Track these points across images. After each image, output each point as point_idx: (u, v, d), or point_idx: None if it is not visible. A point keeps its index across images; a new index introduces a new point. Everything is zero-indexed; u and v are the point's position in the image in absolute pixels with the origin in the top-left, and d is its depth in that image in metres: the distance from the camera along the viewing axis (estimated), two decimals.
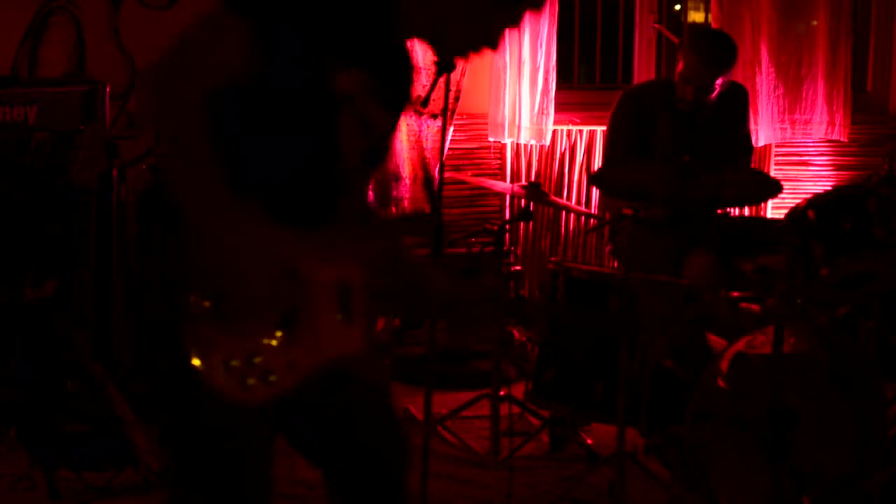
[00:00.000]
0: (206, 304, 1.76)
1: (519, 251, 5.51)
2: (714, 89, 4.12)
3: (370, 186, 2.21)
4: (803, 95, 5.66)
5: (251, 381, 1.79)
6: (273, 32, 1.77)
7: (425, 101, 3.42)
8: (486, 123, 5.43)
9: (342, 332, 1.93)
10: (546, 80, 5.38)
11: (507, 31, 2.02)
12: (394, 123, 2.09)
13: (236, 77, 1.76)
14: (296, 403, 1.92)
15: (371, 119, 1.97)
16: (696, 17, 6.08)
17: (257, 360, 1.79)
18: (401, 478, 2.14)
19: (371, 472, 2.10)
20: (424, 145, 5.34)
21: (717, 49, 4.12)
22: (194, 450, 1.90)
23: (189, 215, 1.76)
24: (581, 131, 5.53)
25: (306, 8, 1.81)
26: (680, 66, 4.16)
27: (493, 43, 2.02)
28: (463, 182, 5.14)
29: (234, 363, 1.78)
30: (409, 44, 2.03)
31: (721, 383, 3.13)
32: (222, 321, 1.77)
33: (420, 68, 2.09)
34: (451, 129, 5.28)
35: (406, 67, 2.06)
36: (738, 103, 4.38)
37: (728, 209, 4.48)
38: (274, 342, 1.81)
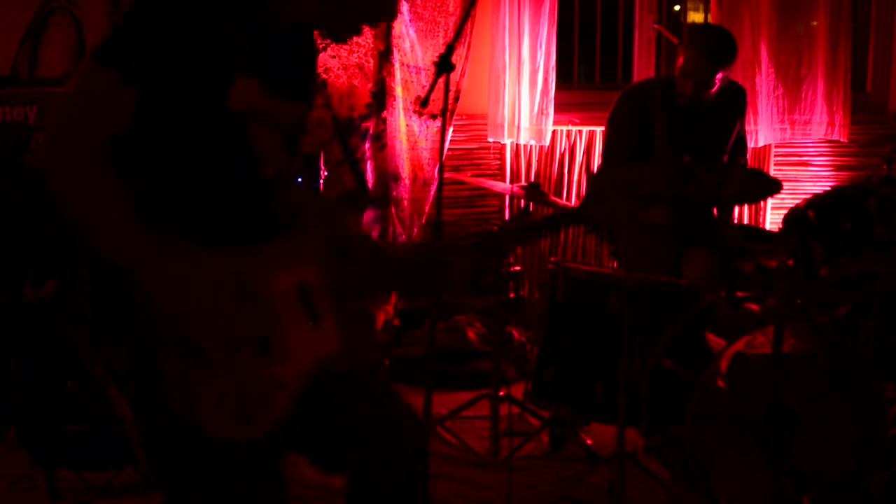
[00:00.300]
0: (178, 359, 1.71)
1: (519, 251, 5.50)
2: (713, 85, 4.12)
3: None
4: (803, 96, 5.66)
5: (250, 411, 1.76)
6: (148, 73, 1.73)
7: (425, 102, 3.43)
8: (486, 124, 5.43)
9: (315, 337, 1.89)
10: (546, 80, 5.38)
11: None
12: (304, 109, 2.04)
13: (125, 123, 1.73)
14: (296, 418, 1.89)
15: (277, 117, 1.93)
16: (696, 17, 6.08)
17: (247, 388, 1.76)
18: (419, 461, 2.11)
19: (388, 459, 2.07)
20: (422, 145, 5.35)
21: (716, 44, 4.12)
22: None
23: (121, 271, 1.70)
24: (581, 131, 5.53)
25: (174, 38, 1.75)
26: (680, 62, 4.16)
27: (386, 9, 1.99)
28: (462, 182, 5.14)
29: (228, 400, 1.73)
30: (284, 25, 1.95)
31: (721, 383, 3.13)
32: (201, 365, 1.72)
33: (320, 43, 2.05)
34: (451, 129, 5.28)
35: (292, 51, 1.99)
36: (737, 103, 4.38)
37: (729, 208, 4.48)
38: (258, 366, 1.77)
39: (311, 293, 1.90)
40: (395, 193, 5.31)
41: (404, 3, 5.20)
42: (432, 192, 5.30)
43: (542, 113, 5.40)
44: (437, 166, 4.98)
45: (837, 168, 5.81)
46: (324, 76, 5.17)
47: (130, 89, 1.72)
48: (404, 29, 5.21)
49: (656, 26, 5.57)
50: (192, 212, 1.82)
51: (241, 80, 1.83)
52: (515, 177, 5.47)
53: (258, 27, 1.88)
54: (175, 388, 1.72)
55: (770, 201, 5.57)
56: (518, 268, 5.17)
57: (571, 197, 5.51)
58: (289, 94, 1.97)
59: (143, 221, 1.70)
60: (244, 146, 1.88)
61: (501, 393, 3.92)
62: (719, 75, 4.11)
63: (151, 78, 1.73)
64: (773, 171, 5.64)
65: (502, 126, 5.38)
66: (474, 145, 5.49)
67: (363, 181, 5.23)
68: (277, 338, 1.81)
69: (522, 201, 4.03)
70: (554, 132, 5.48)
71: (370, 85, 5.21)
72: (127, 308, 1.74)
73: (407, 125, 5.29)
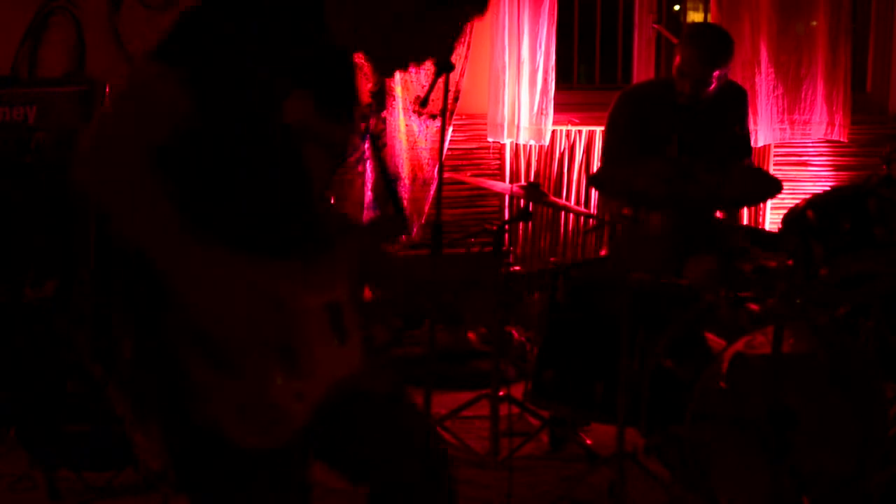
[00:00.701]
0: (204, 364, 1.72)
1: (518, 251, 5.51)
2: (711, 83, 4.12)
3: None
4: (803, 96, 5.66)
5: (269, 421, 1.76)
6: (207, 76, 1.69)
7: (424, 102, 3.44)
8: (486, 124, 5.43)
9: (340, 355, 1.90)
10: (545, 80, 5.38)
11: (452, 41, 1.97)
12: (350, 130, 2.06)
13: (180, 129, 1.69)
14: (319, 432, 1.90)
15: (329, 137, 1.94)
16: (696, 17, 6.08)
17: (268, 399, 1.76)
18: (440, 479, 2.10)
19: (409, 477, 2.06)
20: (422, 145, 5.35)
21: (713, 43, 4.12)
22: None
23: (163, 276, 1.69)
24: (580, 131, 5.53)
25: (236, 44, 1.72)
26: (677, 61, 4.16)
27: (437, 52, 1.98)
28: (462, 182, 5.14)
29: (248, 408, 1.73)
30: (339, 48, 1.95)
31: (721, 383, 3.13)
32: (225, 370, 1.72)
33: (361, 66, 2.05)
34: (451, 129, 5.28)
35: (343, 73, 2.00)
36: (737, 103, 4.38)
37: (729, 210, 4.49)
38: (279, 377, 1.77)
39: (341, 312, 1.91)
40: None
41: None
42: (432, 192, 5.30)
43: (542, 113, 5.40)
44: (437, 166, 4.98)
45: (837, 168, 5.81)
46: None
47: (189, 92, 1.68)
48: None
49: (656, 26, 5.57)
50: (239, 223, 1.82)
51: (296, 96, 1.82)
52: (515, 177, 5.47)
53: (317, 47, 1.87)
54: (199, 393, 1.72)
55: (770, 201, 5.57)
56: (518, 268, 5.17)
57: (571, 197, 5.51)
58: (339, 116, 1.97)
59: (189, 225, 1.68)
60: (297, 162, 1.88)
61: (501, 393, 3.92)
62: (717, 74, 4.11)
63: (211, 82, 1.69)
64: (772, 171, 5.63)
65: (502, 126, 5.38)
66: (474, 145, 5.49)
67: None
68: (303, 352, 1.81)
69: (522, 201, 4.04)
70: (553, 132, 5.48)
71: (370, 85, 5.20)
72: (156, 311, 1.74)
73: (406, 125, 5.29)
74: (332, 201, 2.14)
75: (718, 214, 4.35)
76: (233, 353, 1.72)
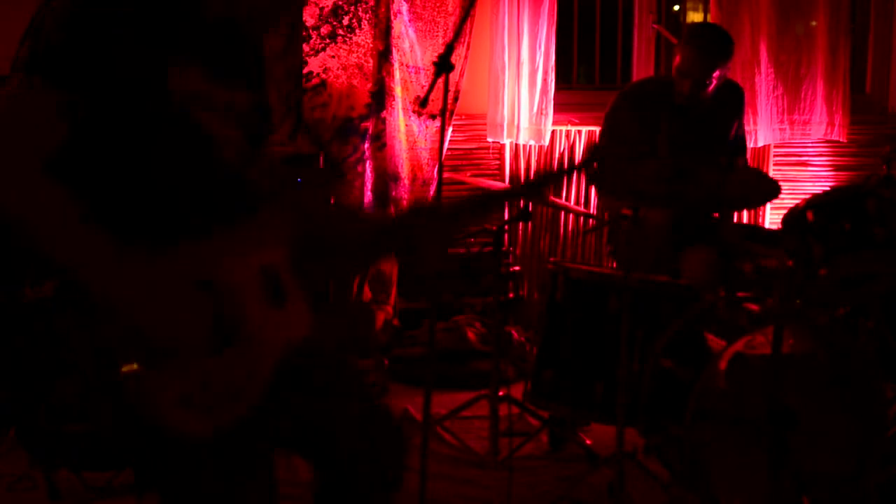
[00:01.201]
0: (134, 363, 1.70)
1: (518, 251, 5.51)
2: (711, 83, 4.12)
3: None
4: (802, 96, 5.66)
5: (217, 406, 1.74)
6: (76, 74, 1.69)
7: (424, 102, 3.43)
8: (485, 124, 5.44)
9: (283, 319, 1.87)
10: (545, 80, 5.39)
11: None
12: (254, 97, 2.01)
13: (61, 136, 1.68)
14: (279, 411, 1.89)
15: (227, 104, 1.92)
16: (696, 17, 6.08)
17: (213, 383, 1.74)
18: (390, 461, 2.11)
19: (361, 463, 2.07)
20: (421, 145, 5.35)
21: (713, 43, 4.13)
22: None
23: (82, 285, 1.69)
24: (580, 132, 5.54)
25: (101, 34, 1.72)
26: (677, 61, 4.16)
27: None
28: (462, 182, 5.14)
29: (191, 398, 1.72)
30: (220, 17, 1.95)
31: (721, 383, 3.13)
32: (158, 365, 1.70)
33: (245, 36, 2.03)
34: (450, 129, 5.28)
35: (233, 43, 1.98)
36: (735, 102, 4.38)
37: (728, 211, 4.48)
38: (223, 360, 1.75)
39: (276, 275, 1.87)
40: (394, 193, 5.31)
41: (404, 3, 5.20)
42: (432, 192, 5.30)
43: (542, 113, 5.40)
44: (437, 166, 4.98)
45: (837, 168, 5.82)
46: (323, 76, 5.17)
47: (58, 95, 1.67)
48: (403, 29, 5.21)
49: (656, 26, 5.58)
50: (147, 204, 1.80)
51: (179, 66, 1.80)
52: (515, 177, 5.47)
53: (193, 19, 1.86)
54: (133, 389, 1.70)
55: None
56: (518, 268, 5.18)
57: (571, 197, 5.51)
58: (237, 82, 1.95)
59: (97, 224, 1.67)
60: (195, 130, 1.85)
61: (501, 393, 3.92)
62: (716, 74, 4.11)
63: (81, 78, 1.69)
64: (772, 171, 5.65)
65: (501, 126, 5.38)
66: (473, 145, 5.50)
67: (381, 170, 5.21)
68: (241, 325, 1.78)
69: (522, 201, 4.04)
70: (553, 132, 5.48)
71: (369, 85, 5.21)
72: (87, 311, 1.73)
73: (406, 125, 5.29)
74: (268, 171, 2.07)
75: (714, 215, 4.35)
76: (165, 346, 1.70)
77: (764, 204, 5.38)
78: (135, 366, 1.69)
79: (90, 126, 1.72)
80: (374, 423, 2.10)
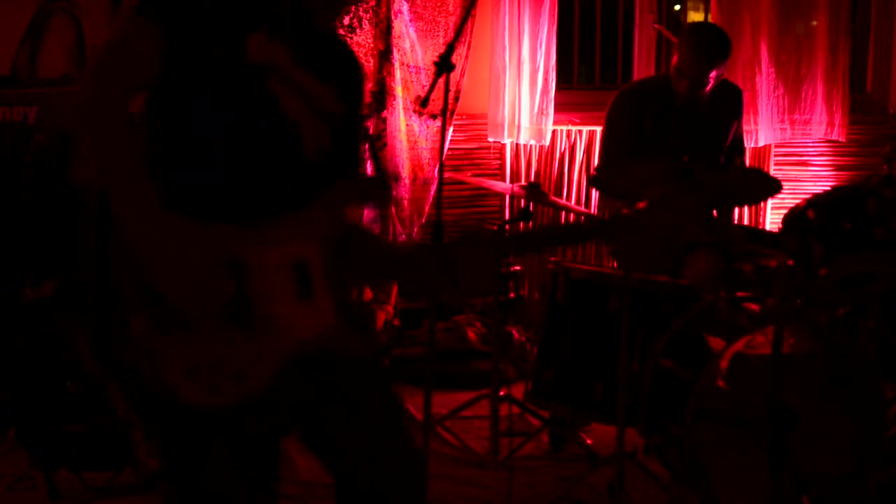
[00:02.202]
0: (146, 320, 1.73)
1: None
2: (709, 83, 4.12)
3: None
4: (803, 96, 5.66)
5: (221, 383, 1.75)
6: (177, 20, 1.80)
7: (425, 102, 3.43)
8: (486, 123, 5.43)
9: (305, 312, 1.87)
10: (546, 80, 5.38)
11: None
12: (349, 106, 2.03)
13: (152, 81, 1.80)
14: (288, 402, 1.90)
15: (311, 91, 1.93)
16: (696, 17, 6.08)
17: (221, 360, 1.76)
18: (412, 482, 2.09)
19: (379, 475, 2.04)
20: (422, 145, 5.35)
21: (711, 42, 4.12)
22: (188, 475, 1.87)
23: (120, 226, 1.74)
24: (581, 131, 5.54)
25: None
26: (675, 60, 4.16)
27: None
28: (462, 182, 5.14)
29: (197, 370, 1.74)
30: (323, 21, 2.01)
31: (721, 383, 3.13)
32: (173, 332, 1.73)
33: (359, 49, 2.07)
34: (451, 129, 5.28)
35: (322, 35, 2.02)
36: (734, 102, 4.38)
37: (729, 209, 4.48)
38: (236, 338, 1.78)
39: (308, 271, 1.88)
40: (395, 193, 5.31)
41: (404, 2, 5.20)
42: (432, 192, 5.30)
43: (542, 113, 5.40)
44: (437, 166, 4.98)
45: (837, 168, 5.82)
46: None
47: (162, 44, 1.77)
48: (404, 29, 5.21)
49: (656, 26, 5.58)
50: (203, 166, 1.85)
51: (262, 35, 1.86)
52: (515, 177, 5.47)
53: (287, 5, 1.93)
54: (137, 349, 1.74)
55: (770, 201, 5.57)
56: (518, 268, 5.17)
57: (571, 197, 5.51)
58: (321, 72, 1.97)
59: (152, 178, 1.74)
60: (265, 101, 1.88)
61: (501, 393, 3.92)
62: (714, 73, 4.11)
63: (181, 31, 1.79)
64: (773, 171, 5.64)
65: (502, 126, 5.38)
66: (474, 145, 5.49)
67: (382, 170, 5.21)
68: (262, 310, 1.80)
69: (523, 201, 4.03)
70: (554, 132, 5.48)
71: (370, 84, 5.21)
72: (111, 259, 1.78)
73: (407, 125, 5.29)
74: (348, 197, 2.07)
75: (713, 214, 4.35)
76: (182, 314, 1.73)
77: (766, 199, 5.38)
78: (144, 324, 1.73)
79: (172, 71, 1.80)
80: (398, 454, 2.07)
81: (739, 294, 3.50)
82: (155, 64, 1.78)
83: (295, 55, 1.90)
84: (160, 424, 1.84)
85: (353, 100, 2.08)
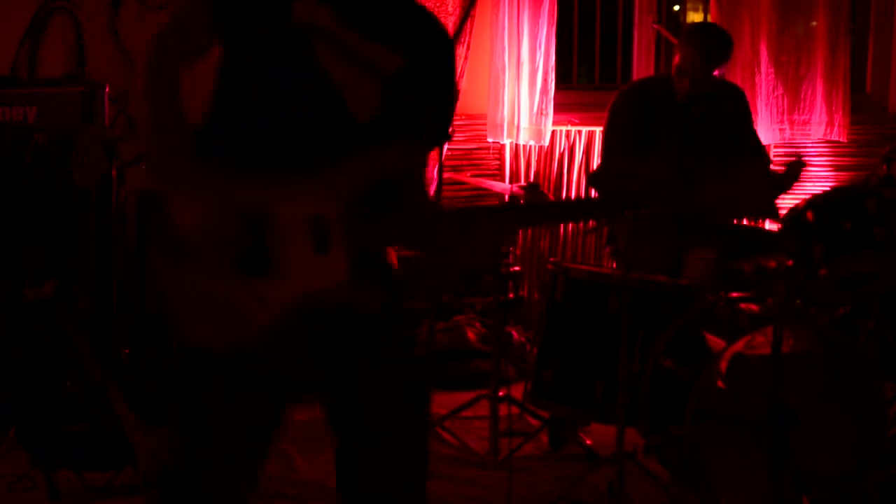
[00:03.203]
0: (170, 259, 1.82)
1: (518, 252, 5.50)
2: (710, 82, 4.12)
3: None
4: (802, 96, 5.66)
5: (223, 322, 1.82)
6: None
7: None
8: (485, 124, 5.43)
9: (318, 266, 1.89)
10: (545, 80, 5.39)
11: None
12: (406, 65, 1.98)
13: (204, 43, 1.85)
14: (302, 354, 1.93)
15: (364, 54, 1.93)
16: (696, 17, 6.08)
17: (223, 297, 1.82)
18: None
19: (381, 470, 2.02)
20: None
21: (712, 42, 4.13)
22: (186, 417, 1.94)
23: (155, 181, 1.85)
24: (580, 132, 5.54)
25: None
26: (676, 60, 4.17)
27: None
28: (462, 183, 5.14)
29: (204, 308, 1.81)
30: None
31: (721, 383, 3.13)
32: (183, 270, 1.81)
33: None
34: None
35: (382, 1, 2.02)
36: (735, 103, 4.38)
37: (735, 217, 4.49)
38: (239, 280, 1.82)
39: (327, 227, 1.90)
40: None
41: None
42: (432, 192, 5.30)
43: (542, 113, 5.40)
44: (437, 166, 4.98)
45: (837, 168, 5.81)
46: None
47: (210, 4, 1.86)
48: None
49: (656, 26, 5.58)
50: (239, 116, 1.90)
51: (308, 1, 1.90)
52: (515, 177, 5.47)
53: None
54: (159, 282, 1.83)
55: None
56: (518, 268, 5.17)
57: (571, 197, 5.51)
58: (371, 33, 1.95)
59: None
60: (305, 59, 1.90)
61: (501, 393, 3.92)
62: (716, 73, 4.11)
63: None
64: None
65: (502, 126, 5.38)
66: (474, 145, 5.49)
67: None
68: (274, 254, 1.85)
69: (522, 201, 4.04)
70: (553, 132, 5.48)
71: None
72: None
73: None
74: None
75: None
76: (193, 248, 1.81)
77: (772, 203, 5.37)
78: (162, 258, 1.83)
79: (221, 43, 1.86)
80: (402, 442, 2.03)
81: (739, 294, 3.50)
82: (204, 33, 1.84)
83: (344, 17, 1.91)
84: (179, 368, 1.92)
85: (420, 58, 2.01)
